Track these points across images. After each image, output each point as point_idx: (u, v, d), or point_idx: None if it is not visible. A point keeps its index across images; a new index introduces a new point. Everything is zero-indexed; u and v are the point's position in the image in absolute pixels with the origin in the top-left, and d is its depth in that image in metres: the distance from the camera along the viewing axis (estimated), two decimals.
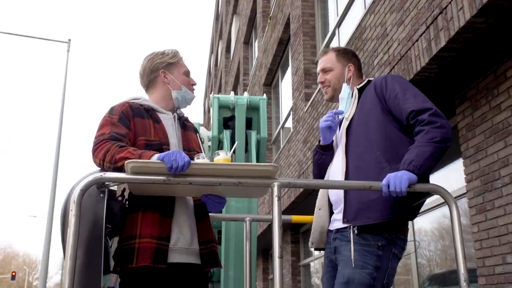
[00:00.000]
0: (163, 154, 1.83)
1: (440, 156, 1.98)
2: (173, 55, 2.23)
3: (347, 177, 2.13)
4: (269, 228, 10.52)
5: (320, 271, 9.46)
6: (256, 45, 14.71)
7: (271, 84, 12.18)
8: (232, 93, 3.20)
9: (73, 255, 1.73)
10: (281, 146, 9.99)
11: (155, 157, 1.85)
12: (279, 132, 11.13)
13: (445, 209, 4.98)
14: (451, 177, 4.74)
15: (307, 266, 10.47)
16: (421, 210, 5.18)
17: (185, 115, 2.30)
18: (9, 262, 60.72)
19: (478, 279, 3.95)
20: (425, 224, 5.48)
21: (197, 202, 2.11)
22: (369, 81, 2.28)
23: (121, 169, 1.87)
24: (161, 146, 2.04)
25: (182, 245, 2.01)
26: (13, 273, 35.44)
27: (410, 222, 5.58)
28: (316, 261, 9.77)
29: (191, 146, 2.15)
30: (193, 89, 2.27)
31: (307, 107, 7.84)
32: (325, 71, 2.34)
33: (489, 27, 3.36)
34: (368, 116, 2.16)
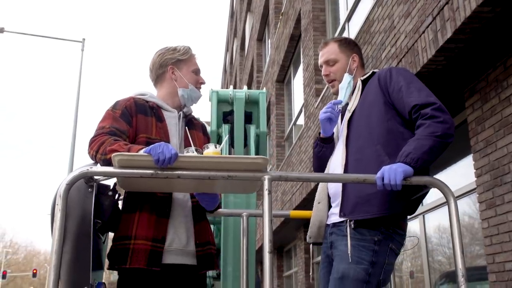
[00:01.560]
0: (149, 147, 1.80)
1: (439, 151, 1.91)
2: (184, 52, 2.19)
3: (346, 170, 2.07)
4: (283, 224, 10.49)
5: None
6: (269, 42, 14.65)
7: (283, 80, 12.12)
8: (231, 87, 3.18)
9: (59, 250, 1.71)
10: (293, 143, 9.93)
11: (142, 151, 1.83)
12: (291, 129, 11.07)
13: (464, 205, 4.86)
14: (460, 172, 4.64)
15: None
16: (434, 206, 5.15)
17: (192, 113, 2.27)
18: (30, 260, 61.66)
19: (488, 276, 3.85)
20: (440, 221, 5.38)
21: (195, 203, 2.08)
22: (373, 73, 2.22)
23: (110, 162, 1.85)
24: None
25: (177, 246, 1.99)
26: (34, 271, 35.96)
27: (420, 218, 5.53)
28: None
29: (195, 146, 2.11)
30: (201, 88, 2.24)
31: (317, 102, 7.77)
32: (329, 63, 2.26)
33: (496, 17, 3.26)
34: (371, 108, 2.10)
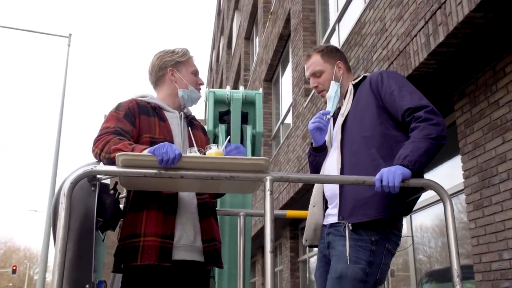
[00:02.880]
0: (154, 147, 1.82)
1: (434, 153, 1.96)
2: (183, 54, 2.24)
3: (342, 173, 2.11)
4: None
5: None
6: (257, 40, 14.67)
7: (271, 79, 12.15)
8: (228, 87, 3.20)
9: (63, 249, 1.72)
10: (281, 142, 9.97)
11: (147, 151, 1.85)
12: (279, 128, 11.11)
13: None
14: (449, 173, 4.73)
15: (306, 261, 10.47)
16: (421, 206, 5.23)
17: (192, 114, 2.31)
18: (10, 256, 60.87)
19: (475, 276, 3.94)
20: (425, 221, 5.47)
21: (200, 201, 2.12)
22: (364, 77, 2.26)
23: (114, 161, 1.87)
24: None
25: (185, 242, 2.03)
26: (14, 267, 35.47)
27: (407, 218, 5.61)
28: (315, 257, 9.78)
29: (197, 145, 2.15)
30: (200, 89, 2.29)
31: (306, 102, 7.82)
32: (315, 75, 2.29)
33: (488, 22, 3.33)
34: (363, 112, 2.13)
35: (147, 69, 2.29)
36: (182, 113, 2.24)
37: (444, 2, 3.57)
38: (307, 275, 10.19)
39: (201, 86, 2.30)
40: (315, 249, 9.58)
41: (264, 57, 12.21)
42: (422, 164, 1.94)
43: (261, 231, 11.13)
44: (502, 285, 3.60)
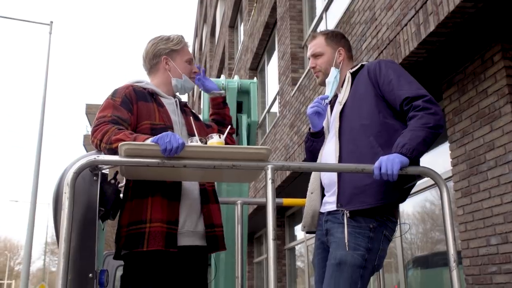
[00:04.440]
0: (157, 136, 1.82)
1: (431, 142, 2.00)
2: (178, 42, 2.22)
3: (340, 161, 2.13)
4: (255, 212, 10.58)
5: (304, 254, 9.56)
6: (241, 29, 14.60)
7: (257, 68, 12.13)
8: (223, 76, 3.18)
9: (67, 238, 1.71)
10: (267, 131, 9.99)
11: (149, 140, 1.85)
12: (265, 117, 11.12)
13: (427, 193, 5.05)
14: (437, 160, 4.81)
15: (292, 249, 10.57)
16: (413, 192, 5.29)
17: (183, 101, 2.31)
18: None
19: (463, 261, 4.03)
20: (407, 208, 5.55)
21: (202, 187, 2.13)
22: (362, 66, 2.28)
23: (116, 151, 1.86)
24: (166, 129, 2.04)
25: (189, 228, 2.05)
26: None
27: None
28: (300, 244, 9.87)
29: (194, 131, 2.15)
30: (194, 78, 2.28)
31: (294, 91, 7.83)
32: (315, 56, 2.32)
33: (478, 12, 3.38)
34: (362, 101, 2.16)
35: (141, 55, 2.26)
36: (177, 99, 2.24)
37: None
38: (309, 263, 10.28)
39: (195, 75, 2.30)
40: (300, 238, 9.69)
41: (249, 46, 12.17)
42: (420, 152, 1.98)
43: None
44: (489, 270, 3.70)
